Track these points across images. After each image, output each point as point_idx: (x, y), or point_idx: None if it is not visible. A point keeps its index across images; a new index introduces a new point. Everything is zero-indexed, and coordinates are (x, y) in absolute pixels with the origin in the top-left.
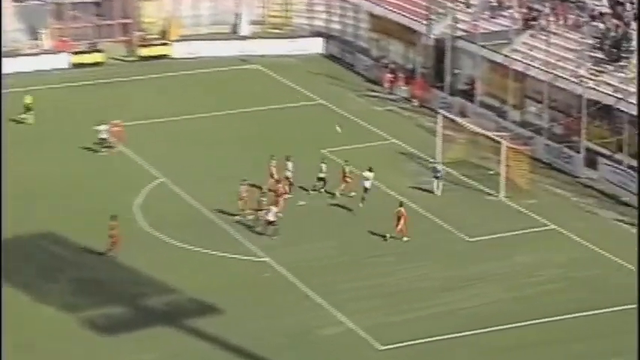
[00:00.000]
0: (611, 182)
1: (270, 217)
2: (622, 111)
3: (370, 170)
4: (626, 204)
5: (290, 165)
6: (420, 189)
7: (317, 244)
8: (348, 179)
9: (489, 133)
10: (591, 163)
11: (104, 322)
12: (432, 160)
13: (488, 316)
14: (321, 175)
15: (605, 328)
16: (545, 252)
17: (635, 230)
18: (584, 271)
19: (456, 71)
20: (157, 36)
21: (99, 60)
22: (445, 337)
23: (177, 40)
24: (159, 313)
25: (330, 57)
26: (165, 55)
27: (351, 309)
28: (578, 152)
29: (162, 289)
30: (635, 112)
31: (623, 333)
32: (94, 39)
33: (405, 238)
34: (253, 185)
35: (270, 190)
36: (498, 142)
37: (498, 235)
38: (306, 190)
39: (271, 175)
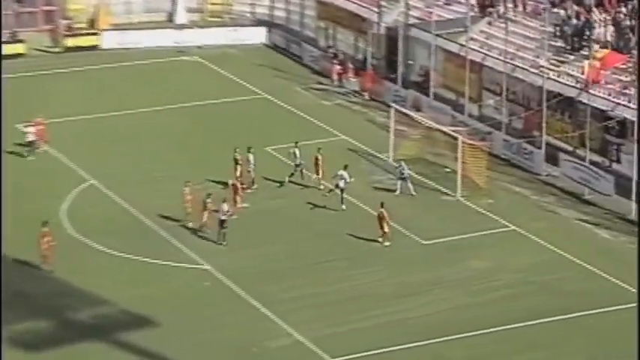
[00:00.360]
0: (573, 179)
1: (221, 216)
2: (584, 103)
3: (345, 168)
4: (589, 202)
5: (251, 157)
6: (375, 188)
7: (262, 250)
8: (320, 169)
9: (445, 128)
10: (552, 159)
11: (29, 339)
12: (397, 162)
13: (443, 325)
14: (298, 162)
15: (566, 336)
16: (504, 255)
17: (598, 231)
18: (544, 275)
19: (409, 62)
20: (84, 25)
21: (20, 51)
22: (398, 347)
23: (107, 30)
24: (88, 328)
25: (275, 47)
26: (93, 45)
27: (299, 319)
28: (539, 148)
29: (93, 301)
30: (597, 105)
31: (586, 340)
32: (15, 28)
33: (386, 243)
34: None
35: (235, 186)
36: (454, 138)
37: (455, 238)
38: (278, 182)
39: (236, 170)
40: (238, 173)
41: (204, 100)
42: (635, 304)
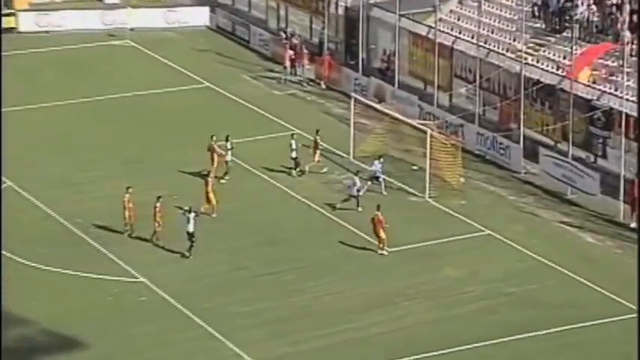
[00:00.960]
0: (554, 177)
1: (190, 228)
2: (566, 92)
3: (357, 174)
4: (572, 203)
5: (228, 145)
6: (335, 190)
7: (204, 259)
8: (317, 152)
9: (412, 121)
10: (531, 154)
11: None
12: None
13: (411, 342)
14: (294, 155)
15: (548, 353)
16: (479, 263)
17: (583, 234)
18: (524, 284)
19: (371, 46)
20: None
21: None
22: None
23: (25, 10)
24: (8, 350)
25: (219, 30)
26: (9, 28)
27: (248, 338)
28: (516, 142)
29: (12, 321)
30: (581, 93)
31: (570, 358)
32: None
33: (380, 251)
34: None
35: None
36: (423, 132)
37: (423, 244)
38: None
39: (212, 160)
40: (215, 164)
41: (139, 90)
42: (624, 317)
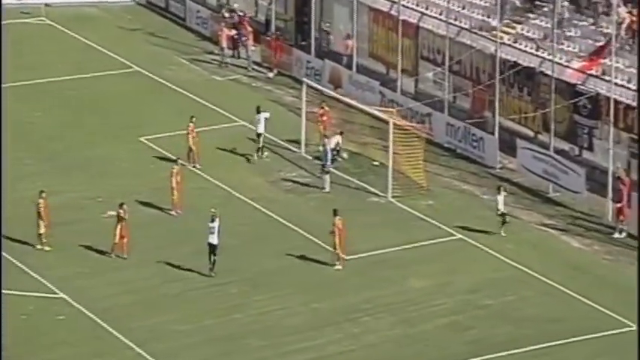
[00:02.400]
0: (534, 173)
1: (214, 240)
2: (547, 75)
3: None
4: (555, 202)
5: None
6: (288, 190)
7: (134, 271)
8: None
9: (372, 110)
10: (508, 147)
11: None
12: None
13: None
14: (260, 131)
15: None
16: (449, 272)
17: (567, 238)
18: (500, 296)
19: (326, 25)
20: None
21: None
22: None
23: None
24: None
25: (150, 6)
26: None
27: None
28: (491, 133)
29: None
30: (564, 77)
31: None
32: None
33: (337, 266)
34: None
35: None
36: (385, 122)
37: (386, 251)
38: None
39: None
40: (194, 150)
41: (57, 76)
42: (613, 332)
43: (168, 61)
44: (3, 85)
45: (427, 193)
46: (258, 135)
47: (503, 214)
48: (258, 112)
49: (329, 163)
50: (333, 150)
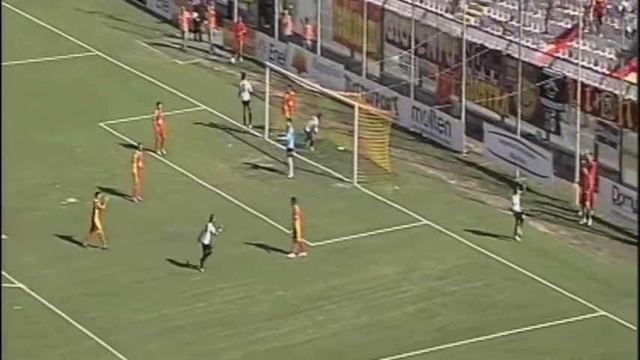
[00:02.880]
0: (501, 157)
1: (206, 240)
2: (514, 58)
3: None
4: (521, 187)
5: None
6: (251, 176)
7: (95, 260)
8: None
9: (337, 94)
10: (475, 131)
11: None
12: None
13: (338, 351)
14: (246, 99)
15: (494, 359)
16: (416, 258)
17: (534, 223)
18: (467, 282)
19: (289, 6)
20: None
21: None
22: None
23: None
24: None
25: None
26: None
27: (147, 351)
28: (458, 117)
29: None
30: (530, 60)
31: None
32: None
33: (291, 254)
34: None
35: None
36: (350, 106)
37: (351, 237)
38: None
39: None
40: (162, 136)
41: (11, 59)
42: (580, 317)
43: (128, 44)
44: None
45: (393, 178)
46: (245, 102)
47: (518, 214)
48: (243, 78)
49: (304, 143)
50: (309, 132)
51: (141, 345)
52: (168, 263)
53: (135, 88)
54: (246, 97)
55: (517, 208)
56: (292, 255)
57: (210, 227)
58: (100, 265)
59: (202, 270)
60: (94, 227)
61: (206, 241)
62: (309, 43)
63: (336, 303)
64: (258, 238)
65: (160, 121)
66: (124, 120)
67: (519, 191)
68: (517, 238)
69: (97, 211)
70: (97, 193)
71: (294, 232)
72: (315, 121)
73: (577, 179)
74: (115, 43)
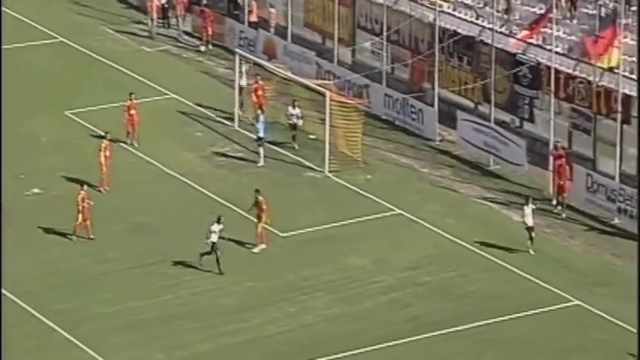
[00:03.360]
0: (475, 145)
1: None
2: (487, 44)
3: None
4: (495, 175)
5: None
6: (221, 165)
7: (60, 251)
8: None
9: (308, 81)
10: (448, 119)
11: None
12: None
13: (310, 344)
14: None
15: (470, 351)
16: (388, 248)
17: (508, 212)
18: (440, 272)
19: None
20: None
21: None
22: None
23: None
24: None
25: None
26: None
27: (113, 344)
28: (431, 105)
29: None
30: (504, 46)
31: (495, 356)
32: None
33: (257, 248)
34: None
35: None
36: (321, 94)
37: (323, 227)
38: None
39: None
40: (135, 127)
41: None
42: (554, 307)
43: (94, 31)
44: None
45: (365, 167)
46: (241, 89)
47: (530, 229)
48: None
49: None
50: (293, 124)
51: (108, 338)
52: (135, 254)
53: (101, 76)
54: (242, 82)
55: (529, 221)
56: (256, 250)
57: (216, 227)
58: (66, 256)
59: (202, 266)
60: (82, 219)
61: (214, 239)
62: (273, 29)
63: (308, 294)
64: (227, 228)
65: (132, 112)
66: (90, 108)
67: (531, 205)
68: (530, 252)
69: (83, 203)
70: (82, 184)
71: (259, 224)
72: (295, 110)
73: (551, 167)
74: (80, 30)
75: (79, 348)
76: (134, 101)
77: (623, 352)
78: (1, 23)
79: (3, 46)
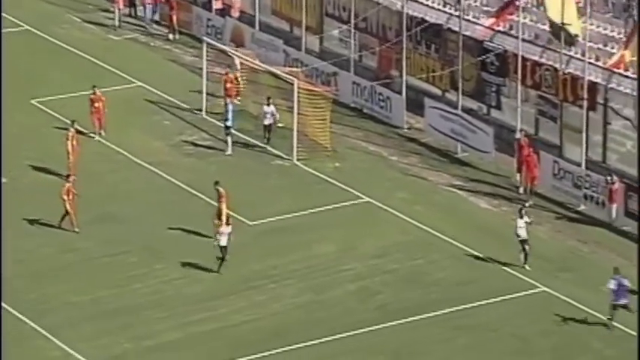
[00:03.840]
0: (442, 133)
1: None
2: (455, 32)
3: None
4: (463, 162)
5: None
6: (189, 153)
7: (26, 240)
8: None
9: (276, 69)
10: (416, 106)
11: None
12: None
13: (277, 332)
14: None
15: (439, 338)
16: (356, 236)
17: (475, 199)
18: (408, 260)
19: None
20: None
21: None
22: None
23: None
24: None
25: None
26: None
27: (80, 334)
28: (398, 93)
29: None
30: (471, 34)
31: (465, 343)
32: None
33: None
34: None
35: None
36: (289, 82)
37: (291, 216)
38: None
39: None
40: (101, 119)
41: None
42: (523, 293)
43: (61, 19)
44: None
45: (333, 154)
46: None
47: (523, 241)
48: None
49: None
50: (269, 125)
51: (76, 328)
52: (103, 244)
53: (68, 64)
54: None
55: (523, 234)
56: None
57: (226, 229)
58: (32, 246)
59: (220, 273)
60: (67, 211)
61: (223, 242)
62: (236, 16)
63: (276, 282)
64: (195, 217)
65: (97, 104)
66: (57, 97)
67: (525, 217)
68: (526, 267)
69: (68, 195)
70: (67, 175)
71: (219, 215)
72: (270, 108)
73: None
74: (47, 19)
75: (45, 338)
76: (98, 93)
77: (588, 336)
78: (1, 22)
79: None
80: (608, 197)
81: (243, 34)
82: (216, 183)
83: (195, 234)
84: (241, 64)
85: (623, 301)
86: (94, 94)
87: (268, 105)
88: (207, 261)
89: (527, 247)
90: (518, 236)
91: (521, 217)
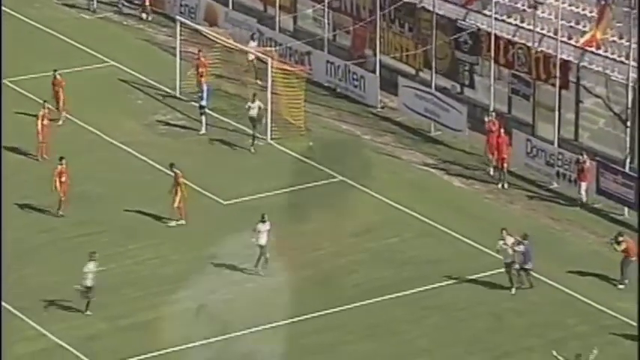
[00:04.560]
0: (416, 112)
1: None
2: (428, 10)
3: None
4: (436, 141)
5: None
6: (163, 133)
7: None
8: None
9: (249, 49)
10: (389, 85)
11: None
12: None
13: (249, 312)
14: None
15: (411, 317)
16: (330, 215)
17: (448, 178)
18: (382, 238)
19: None
20: None
21: None
22: (187, 346)
23: None
24: None
25: None
26: None
27: (55, 314)
28: (372, 72)
29: None
30: (444, 12)
31: (436, 321)
32: None
33: (174, 222)
34: None
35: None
36: (262, 61)
37: (265, 195)
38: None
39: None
40: (62, 104)
41: None
42: (495, 271)
43: None
44: None
45: (307, 134)
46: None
47: (509, 265)
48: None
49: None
50: (255, 121)
51: (50, 308)
52: (78, 224)
53: (40, 44)
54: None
55: (507, 257)
56: (173, 223)
57: (263, 227)
58: (7, 226)
59: (262, 274)
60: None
61: (262, 242)
62: None
63: (251, 262)
64: (169, 197)
65: (57, 89)
66: (28, 77)
67: (508, 237)
68: (512, 291)
69: (60, 178)
70: (61, 158)
71: (175, 198)
72: (255, 103)
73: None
74: None
75: (20, 319)
76: (58, 78)
77: (559, 314)
78: (1, 21)
79: None
80: (579, 175)
81: (216, 13)
82: (172, 165)
83: (168, 214)
84: (215, 43)
85: (530, 265)
86: (55, 78)
87: (253, 102)
88: (181, 241)
89: (512, 273)
90: (505, 258)
91: (504, 238)
